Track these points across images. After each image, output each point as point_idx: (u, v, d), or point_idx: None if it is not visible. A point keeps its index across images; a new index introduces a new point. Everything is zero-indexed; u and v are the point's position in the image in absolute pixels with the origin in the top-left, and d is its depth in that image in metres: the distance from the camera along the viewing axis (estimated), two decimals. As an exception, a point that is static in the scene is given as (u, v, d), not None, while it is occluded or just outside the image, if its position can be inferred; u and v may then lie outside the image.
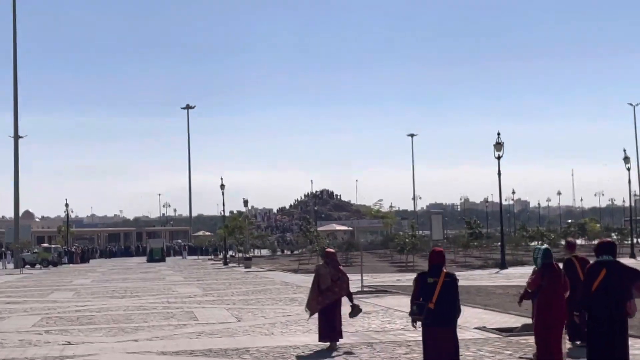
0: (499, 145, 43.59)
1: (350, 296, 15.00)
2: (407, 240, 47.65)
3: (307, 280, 36.95)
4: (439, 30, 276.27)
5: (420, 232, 66.15)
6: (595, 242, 72.96)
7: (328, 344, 14.47)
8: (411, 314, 10.52)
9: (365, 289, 28.35)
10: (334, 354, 13.93)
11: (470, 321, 17.66)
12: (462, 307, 11.24)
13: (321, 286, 14.44)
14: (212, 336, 16.55)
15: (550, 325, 11.30)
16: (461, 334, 15.25)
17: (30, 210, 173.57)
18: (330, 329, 14.44)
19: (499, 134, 43.58)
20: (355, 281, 33.69)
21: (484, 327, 16.83)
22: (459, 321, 10.90)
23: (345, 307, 15.26)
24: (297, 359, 13.58)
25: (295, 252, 79.20)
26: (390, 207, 31.99)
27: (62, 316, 21.72)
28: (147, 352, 14.43)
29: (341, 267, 15.09)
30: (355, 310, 15.21)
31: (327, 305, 14.46)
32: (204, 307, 23.41)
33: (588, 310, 10.13)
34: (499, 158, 43.56)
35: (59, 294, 31.40)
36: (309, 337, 16.04)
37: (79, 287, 36.35)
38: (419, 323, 10.55)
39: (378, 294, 26.83)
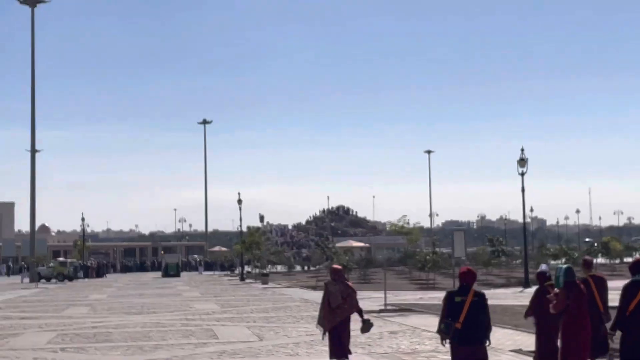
0: (522, 162, 42.73)
1: (360, 312, 14.72)
2: (427, 257, 46.81)
3: (327, 297, 36.31)
4: (458, 47, 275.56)
5: (438, 249, 65.39)
6: (617, 261, 71.80)
7: None
8: (439, 332, 10.52)
9: (388, 307, 27.56)
10: None
11: (504, 343, 16.88)
12: (493, 328, 11.00)
13: (332, 304, 14.17)
14: (235, 356, 15.82)
15: (582, 346, 10.96)
16: (496, 357, 14.51)
17: (47, 225, 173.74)
18: (341, 347, 14.18)
19: (522, 149, 42.74)
20: (376, 299, 33.06)
21: (520, 349, 16.05)
22: (493, 342, 10.62)
23: (354, 323, 14.82)
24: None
25: (312, 268, 78.50)
26: (415, 223, 31.18)
27: (78, 333, 21.05)
28: (167, 373, 13.73)
29: (349, 283, 14.75)
30: (367, 325, 14.90)
31: (337, 323, 14.23)
32: (224, 325, 22.68)
33: (625, 331, 9.70)
34: (522, 174, 42.70)
35: (75, 310, 30.77)
36: (336, 358, 15.27)
37: (94, 302, 35.73)
38: (447, 341, 10.52)
39: (402, 313, 26.04)
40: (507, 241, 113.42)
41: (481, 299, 10.42)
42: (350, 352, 14.44)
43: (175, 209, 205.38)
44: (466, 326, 10.16)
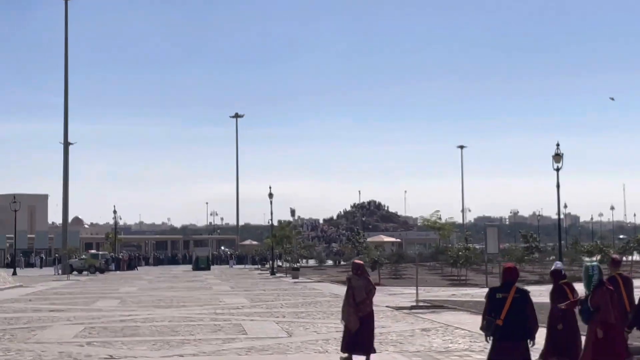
0: (557, 157, 41.91)
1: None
2: (460, 253, 46.13)
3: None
4: (491, 41, 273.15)
5: (470, 245, 64.41)
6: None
7: (346, 355, 14.10)
8: (482, 328, 10.59)
9: (420, 304, 27.07)
10: None
11: (539, 342, 16.29)
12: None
13: (356, 299, 14.12)
14: (263, 353, 15.47)
15: (615, 343, 10.82)
16: (533, 356, 14.00)
17: (80, 217, 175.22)
18: (357, 342, 14.06)
19: (557, 145, 41.88)
20: (408, 295, 32.57)
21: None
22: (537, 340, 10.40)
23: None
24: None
25: (343, 262, 78.08)
26: (448, 218, 30.64)
27: (106, 326, 20.84)
28: (193, 369, 13.40)
29: (370, 278, 14.74)
30: None
31: (360, 318, 14.19)
32: (253, 320, 22.36)
33: None
34: (557, 170, 41.87)
35: (104, 302, 30.66)
36: (366, 356, 14.86)
37: (124, 295, 35.64)
38: (490, 337, 10.55)
39: (434, 310, 25.52)
40: (540, 237, 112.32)
41: (524, 295, 10.43)
42: (374, 350, 14.22)
43: (207, 203, 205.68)
44: (507, 323, 10.18)
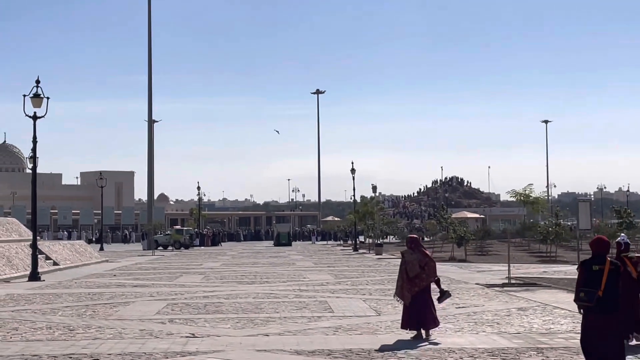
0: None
1: (438, 282, 14.43)
2: (550, 229, 44.44)
3: (444, 269, 34.69)
4: (580, 14, 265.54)
5: (561, 220, 62.16)
6: None
7: (412, 332, 13.82)
8: (578, 300, 10.19)
9: (512, 281, 25.87)
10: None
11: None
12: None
13: (410, 273, 13.91)
14: (351, 332, 14.63)
15: None
16: None
17: (165, 194, 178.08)
18: (417, 318, 13.75)
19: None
20: (497, 272, 31.35)
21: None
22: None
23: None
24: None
25: (426, 239, 76.88)
26: (542, 192, 29.13)
27: (189, 303, 20.36)
28: (279, 350, 12.63)
29: (427, 252, 14.28)
30: (445, 295, 14.65)
31: (416, 293, 13.90)
32: (339, 297, 21.57)
33: None
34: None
35: (188, 278, 30.38)
36: (463, 337, 13.90)
37: (208, 270, 35.38)
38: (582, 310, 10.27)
39: (528, 287, 24.29)
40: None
41: (617, 268, 10.17)
42: (434, 325, 13.95)
43: (288, 179, 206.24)
44: (605, 295, 9.94)
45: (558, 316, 16.87)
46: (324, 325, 15.55)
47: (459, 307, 18.75)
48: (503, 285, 25.16)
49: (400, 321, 14.21)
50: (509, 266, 27.23)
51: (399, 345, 13.12)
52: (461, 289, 23.81)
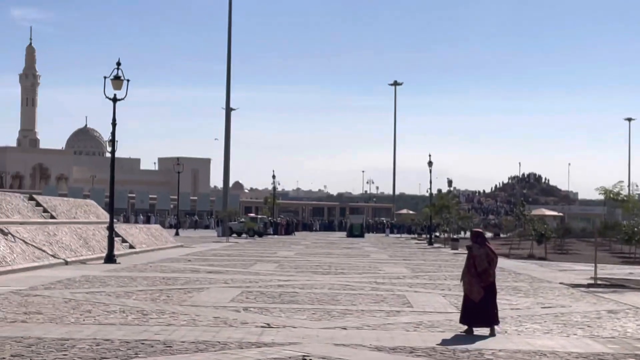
0: None
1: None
2: (636, 229, 42.75)
3: (523, 266, 33.68)
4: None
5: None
6: None
7: (466, 327, 13.47)
8: None
9: (598, 282, 24.73)
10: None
11: None
12: None
13: (478, 268, 13.64)
14: (433, 329, 13.93)
15: None
16: None
17: (240, 182, 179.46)
18: (480, 313, 13.41)
19: None
20: (580, 272, 30.16)
21: None
22: None
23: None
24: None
25: (502, 235, 75.39)
26: (636, 189, 27.75)
27: (264, 291, 19.93)
28: (358, 345, 12.01)
29: (492, 247, 13.89)
30: None
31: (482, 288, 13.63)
32: (417, 292, 20.85)
33: None
34: None
35: (262, 266, 30.06)
36: (553, 340, 13.06)
37: (282, 259, 35.05)
38: None
39: (615, 289, 23.14)
40: None
41: None
42: (497, 322, 13.60)
43: (363, 171, 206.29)
44: None
45: (653, 321, 15.85)
46: (404, 321, 14.89)
47: (545, 307, 17.86)
48: (589, 285, 24.07)
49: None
50: (595, 266, 26.10)
51: (486, 344, 12.38)
52: (544, 288, 22.84)
